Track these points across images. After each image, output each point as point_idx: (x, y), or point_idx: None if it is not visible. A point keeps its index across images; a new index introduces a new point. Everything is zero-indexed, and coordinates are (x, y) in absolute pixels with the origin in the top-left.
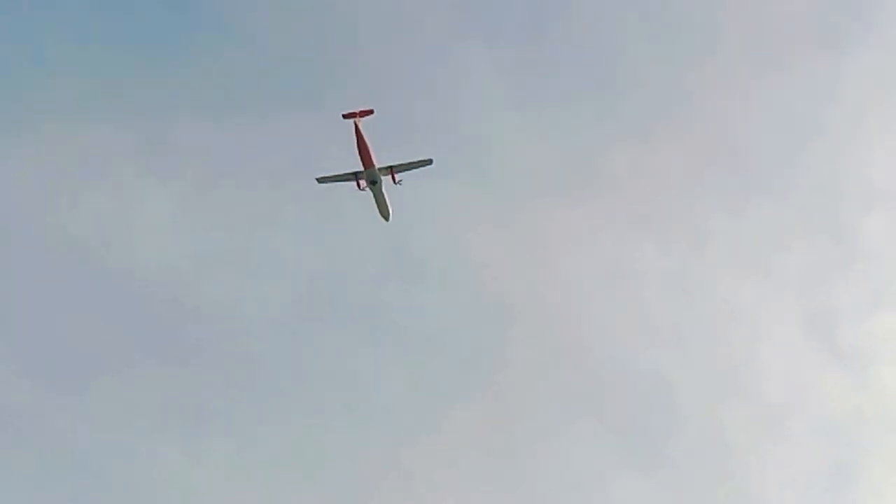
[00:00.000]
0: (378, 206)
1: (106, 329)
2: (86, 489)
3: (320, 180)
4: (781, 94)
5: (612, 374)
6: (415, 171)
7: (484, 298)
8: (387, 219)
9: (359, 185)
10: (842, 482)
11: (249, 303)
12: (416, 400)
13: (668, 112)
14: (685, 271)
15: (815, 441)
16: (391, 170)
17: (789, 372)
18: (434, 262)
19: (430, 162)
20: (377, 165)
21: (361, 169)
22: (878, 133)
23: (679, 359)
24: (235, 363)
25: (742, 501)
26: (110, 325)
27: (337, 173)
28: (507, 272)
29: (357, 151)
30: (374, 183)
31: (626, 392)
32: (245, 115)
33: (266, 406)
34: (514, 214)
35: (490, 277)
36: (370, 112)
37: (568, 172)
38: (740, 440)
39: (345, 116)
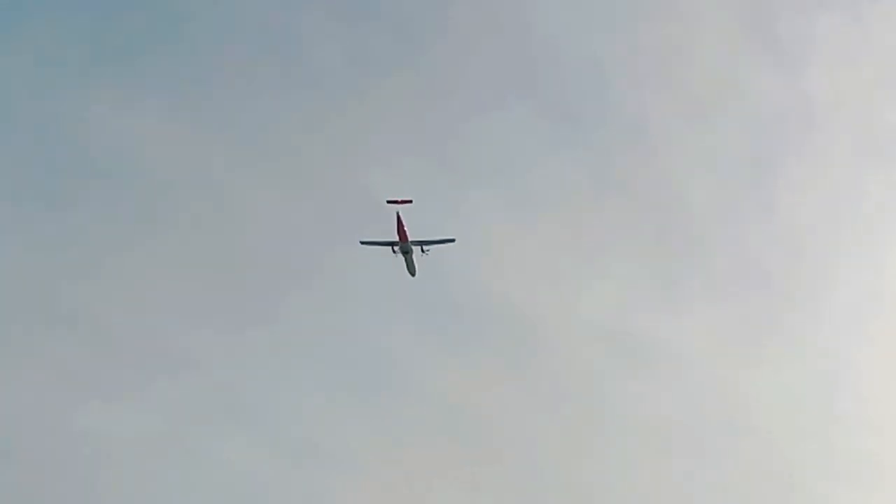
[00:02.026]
0: (407, 267)
1: None
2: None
3: (364, 243)
4: None
5: (548, 55)
6: None
7: None
8: (413, 275)
9: (394, 251)
10: (761, 176)
11: None
12: (353, 68)
13: None
14: None
15: (740, 134)
16: (421, 244)
17: (721, 64)
18: None
19: (453, 240)
20: (410, 240)
21: (398, 241)
22: None
23: (613, 40)
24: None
25: (664, 184)
26: None
27: (378, 240)
28: None
29: (396, 230)
30: (406, 252)
31: (561, 73)
32: None
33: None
34: None
35: None
36: (409, 201)
37: None
38: (667, 128)
39: (388, 202)
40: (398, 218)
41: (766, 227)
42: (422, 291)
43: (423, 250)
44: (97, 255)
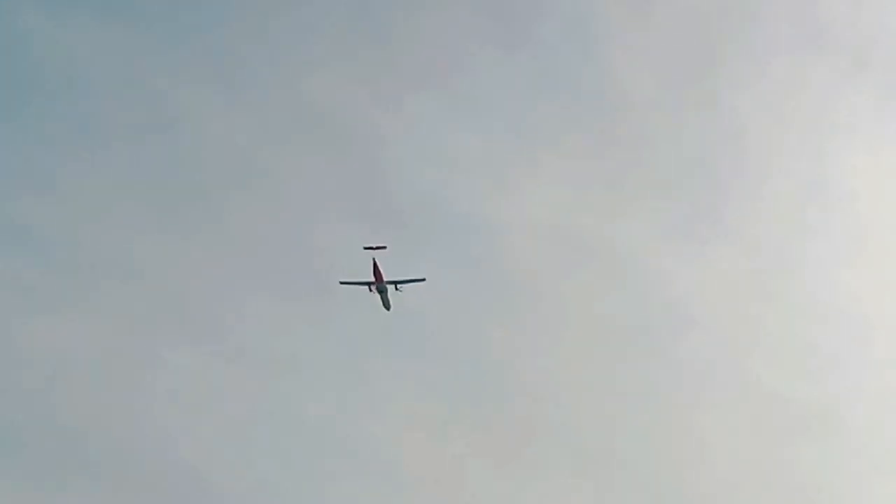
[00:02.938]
0: (382, 302)
1: None
2: None
3: (343, 283)
4: None
5: None
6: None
7: None
8: (388, 309)
9: (370, 289)
10: (703, 70)
11: None
12: None
13: None
14: None
15: (680, 29)
16: (395, 283)
17: None
18: None
19: (423, 280)
20: (385, 280)
21: (374, 281)
22: None
23: None
24: None
25: (606, 81)
26: None
27: (357, 280)
28: None
29: (372, 273)
30: (381, 291)
31: None
32: None
33: None
34: None
35: None
36: (384, 247)
37: None
38: (608, 24)
39: (365, 248)
40: (374, 263)
41: (708, 121)
42: (368, 195)
43: (396, 288)
44: (37, 166)
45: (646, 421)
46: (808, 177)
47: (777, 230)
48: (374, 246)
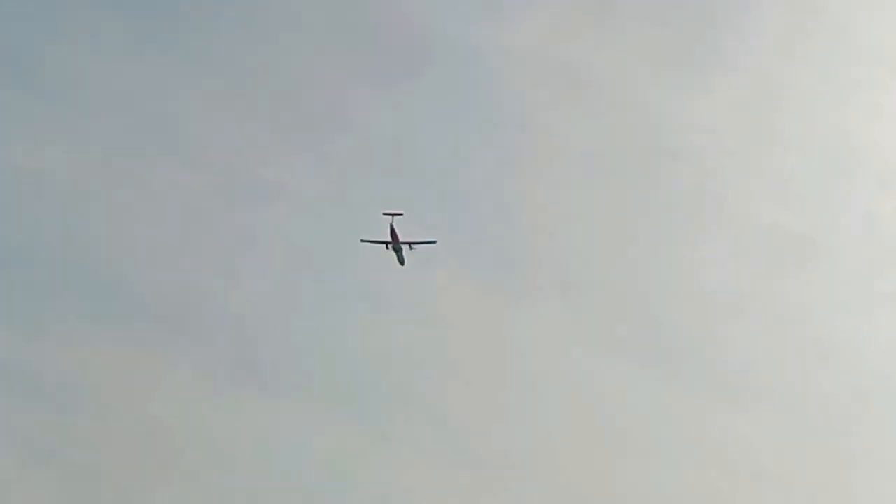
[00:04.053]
0: (398, 259)
1: None
2: None
3: (363, 241)
4: None
5: None
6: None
7: None
8: (402, 265)
9: (387, 248)
10: None
11: None
12: None
13: None
14: None
15: None
16: (409, 244)
17: None
18: None
19: (434, 242)
20: (400, 241)
21: (391, 241)
22: None
23: None
24: None
25: None
26: None
27: (376, 239)
28: None
29: (390, 234)
30: (397, 251)
31: None
32: None
33: None
34: None
35: None
36: (400, 213)
37: None
38: None
39: (384, 213)
40: (391, 227)
41: None
42: (355, 25)
43: (410, 247)
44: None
45: (637, 253)
46: (800, 5)
47: (767, 62)
48: (392, 212)
